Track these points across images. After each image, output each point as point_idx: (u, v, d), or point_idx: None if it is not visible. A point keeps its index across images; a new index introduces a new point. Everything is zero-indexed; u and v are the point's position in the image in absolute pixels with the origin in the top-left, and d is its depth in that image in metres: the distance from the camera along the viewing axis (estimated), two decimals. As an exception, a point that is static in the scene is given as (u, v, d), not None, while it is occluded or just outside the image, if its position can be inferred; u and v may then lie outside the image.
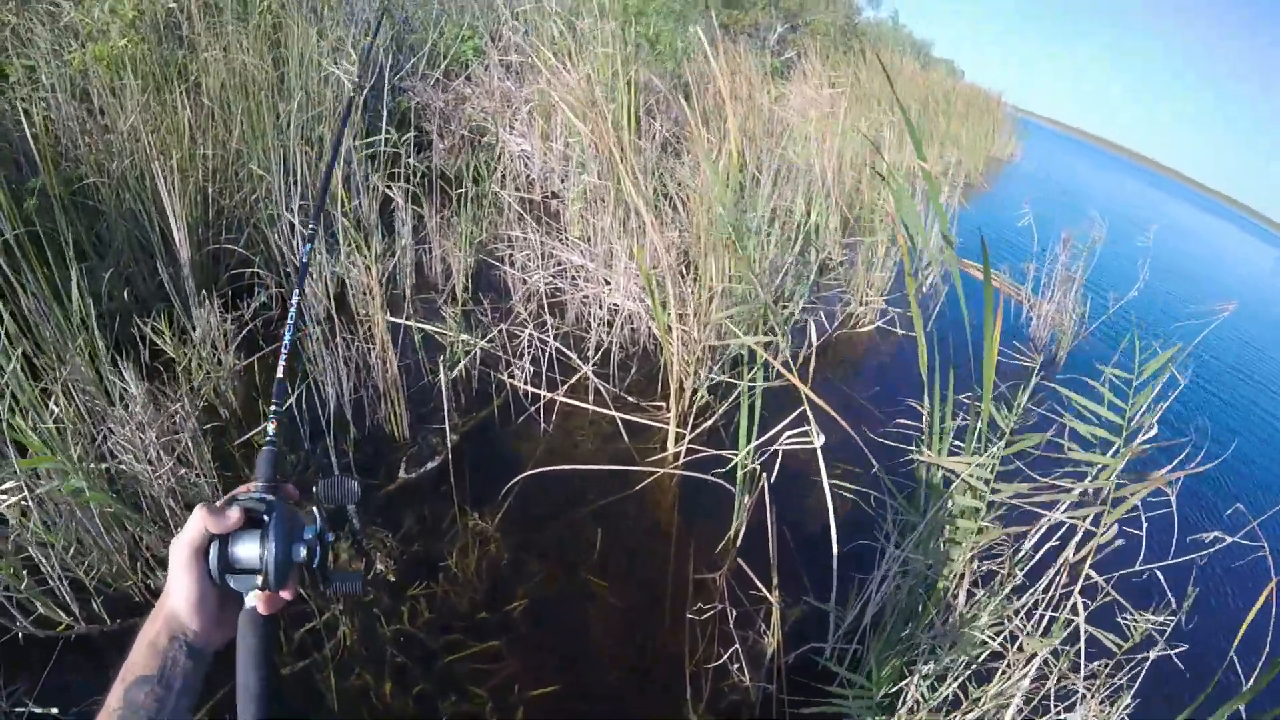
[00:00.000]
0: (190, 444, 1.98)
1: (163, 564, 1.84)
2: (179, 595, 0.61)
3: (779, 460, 2.18)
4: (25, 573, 1.67)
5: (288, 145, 3.26)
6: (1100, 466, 1.52)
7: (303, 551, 0.63)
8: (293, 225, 3.11)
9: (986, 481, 1.63)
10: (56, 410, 1.74)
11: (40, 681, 1.65)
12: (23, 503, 1.62)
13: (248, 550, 0.62)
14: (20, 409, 1.64)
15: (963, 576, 1.73)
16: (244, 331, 2.71)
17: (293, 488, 0.70)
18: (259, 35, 3.48)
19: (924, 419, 1.95)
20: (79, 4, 3.20)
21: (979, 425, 1.68)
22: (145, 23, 3.26)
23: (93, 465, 1.80)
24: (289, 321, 0.83)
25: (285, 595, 0.64)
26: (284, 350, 0.81)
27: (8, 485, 1.58)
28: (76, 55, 3.01)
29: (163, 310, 2.45)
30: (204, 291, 2.58)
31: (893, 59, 9.98)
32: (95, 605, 1.79)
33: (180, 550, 0.61)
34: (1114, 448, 1.52)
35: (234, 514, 0.62)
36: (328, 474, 0.68)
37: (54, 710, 1.61)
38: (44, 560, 1.69)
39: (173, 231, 2.67)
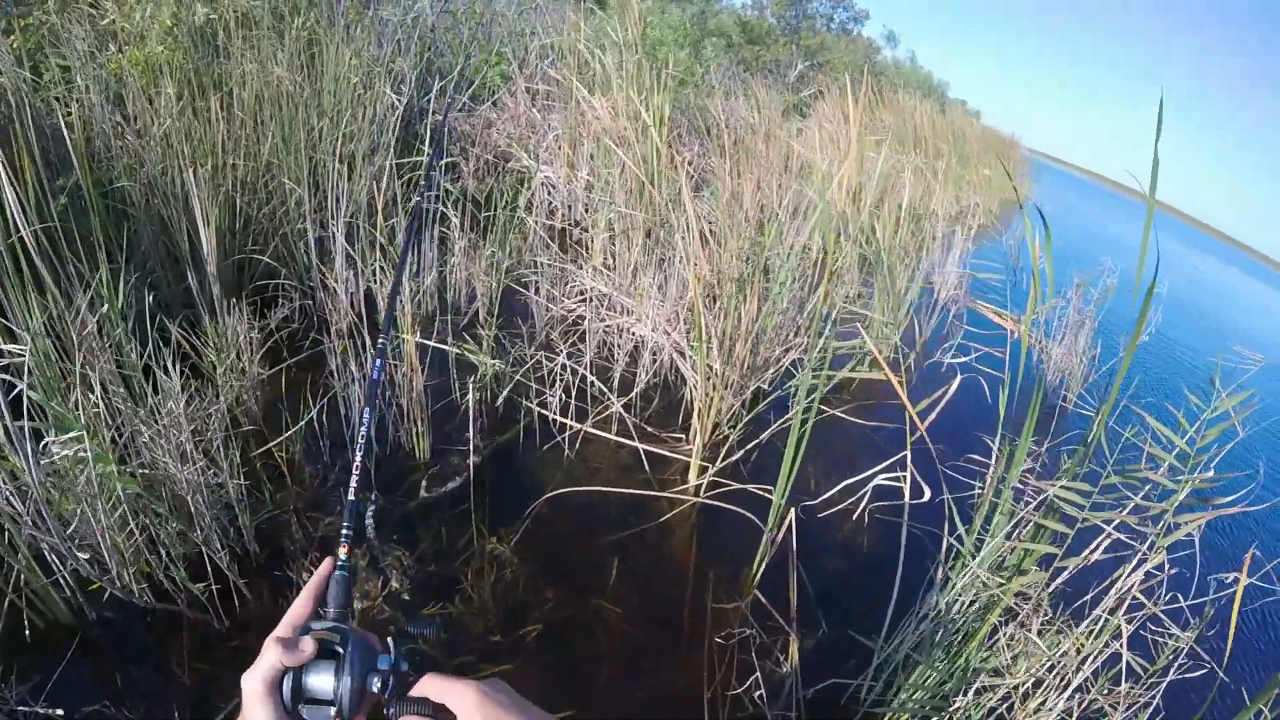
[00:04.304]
0: (220, 446, 1.97)
1: (180, 561, 1.84)
2: None
3: (816, 497, 2.16)
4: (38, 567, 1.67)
5: (318, 160, 3.29)
6: (1166, 491, 1.60)
7: (377, 683, 0.63)
8: (320, 240, 3.13)
9: (1080, 506, 1.65)
10: (92, 397, 1.75)
11: (49, 680, 1.64)
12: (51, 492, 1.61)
13: (322, 681, 0.62)
14: (54, 393, 1.66)
15: (1038, 604, 1.74)
16: (269, 342, 2.71)
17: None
18: (294, 50, 3.52)
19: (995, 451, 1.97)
20: (120, 7, 3.23)
21: (1095, 434, 1.70)
22: (182, 31, 3.29)
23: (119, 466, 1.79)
24: (359, 441, 0.79)
25: None
26: (355, 469, 0.77)
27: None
28: (113, 59, 3.04)
29: (188, 316, 2.44)
30: (231, 300, 2.57)
31: (909, 99, 10.08)
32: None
33: (254, 684, 0.60)
34: (1183, 472, 1.59)
35: (308, 646, 0.62)
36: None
37: (59, 711, 1.60)
38: (55, 558, 1.68)
39: (201, 238, 2.69)
